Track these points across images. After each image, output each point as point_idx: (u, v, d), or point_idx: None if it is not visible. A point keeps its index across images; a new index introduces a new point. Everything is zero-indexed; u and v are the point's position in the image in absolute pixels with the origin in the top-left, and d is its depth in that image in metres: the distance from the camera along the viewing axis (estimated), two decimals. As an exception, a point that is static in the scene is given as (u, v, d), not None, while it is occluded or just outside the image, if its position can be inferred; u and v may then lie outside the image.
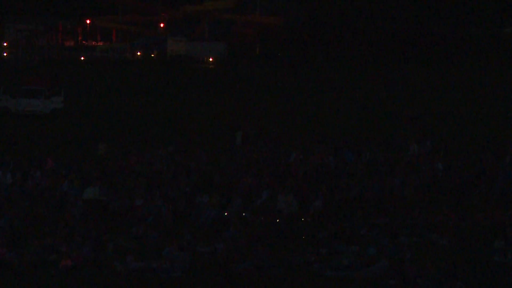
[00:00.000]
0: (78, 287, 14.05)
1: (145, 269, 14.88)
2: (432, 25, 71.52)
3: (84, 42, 75.30)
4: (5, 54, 61.42)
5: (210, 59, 63.26)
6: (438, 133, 28.73)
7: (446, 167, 23.07)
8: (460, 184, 21.00)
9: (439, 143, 26.68)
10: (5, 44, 63.78)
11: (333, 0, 71.92)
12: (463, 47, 66.55)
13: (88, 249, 15.71)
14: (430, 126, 30.58)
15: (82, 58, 65.23)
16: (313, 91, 44.25)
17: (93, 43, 74.63)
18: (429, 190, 20.42)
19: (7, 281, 14.08)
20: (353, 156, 24.59)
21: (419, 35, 68.58)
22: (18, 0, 69.86)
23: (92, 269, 14.90)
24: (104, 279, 14.48)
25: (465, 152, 25.66)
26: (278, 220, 17.95)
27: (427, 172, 22.21)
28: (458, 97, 40.62)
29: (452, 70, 54.12)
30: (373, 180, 21.12)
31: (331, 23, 69.95)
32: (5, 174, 21.86)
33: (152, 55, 68.89)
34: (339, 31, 68.29)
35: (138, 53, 68.45)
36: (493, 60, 56.98)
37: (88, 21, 74.82)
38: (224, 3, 74.28)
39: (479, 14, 73.65)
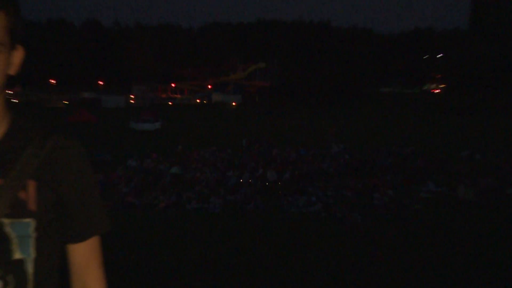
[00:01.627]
0: (169, 218, 14.26)
1: (201, 208, 15.09)
2: (342, 83, 68.59)
3: (171, 95, 75.19)
4: (132, 102, 62.08)
5: (233, 104, 63.12)
6: (348, 139, 28.66)
7: (351, 156, 23.20)
8: (358, 166, 21.15)
9: (349, 144, 26.70)
10: (132, 96, 64.46)
11: (296, 73, 72.02)
12: (356, 100, 63.79)
13: (173, 197, 15.91)
14: (343, 136, 30.52)
15: (170, 103, 65.17)
16: (285, 119, 44.34)
17: (175, 95, 74.60)
18: (342, 169, 20.55)
19: (133, 217, 14.31)
20: (305, 151, 24.70)
21: (335, 90, 66.49)
22: (138, 73, 70.67)
23: (175, 208, 15.12)
24: (180, 213, 14.70)
25: (361, 149, 25.71)
26: (267, 184, 18.14)
27: (341, 160, 22.35)
28: (358, 125, 40.51)
29: (355, 112, 53.39)
30: (314, 164, 21.31)
31: (296, 84, 69.99)
32: (133, 161, 22.06)
33: (205, 102, 68.73)
34: (301, 89, 68.26)
35: (198, 101, 68.33)
36: (375, 111, 55.07)
37: (173, 84, 75.08)
38: (240, 76, 74.49)
39: (366, 77, 71.33)
